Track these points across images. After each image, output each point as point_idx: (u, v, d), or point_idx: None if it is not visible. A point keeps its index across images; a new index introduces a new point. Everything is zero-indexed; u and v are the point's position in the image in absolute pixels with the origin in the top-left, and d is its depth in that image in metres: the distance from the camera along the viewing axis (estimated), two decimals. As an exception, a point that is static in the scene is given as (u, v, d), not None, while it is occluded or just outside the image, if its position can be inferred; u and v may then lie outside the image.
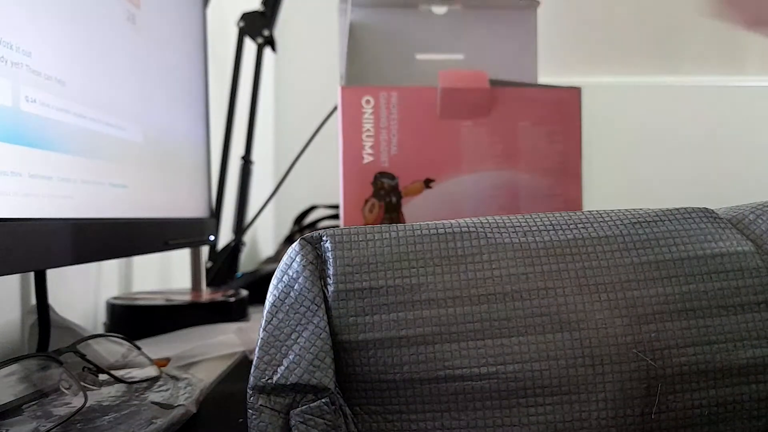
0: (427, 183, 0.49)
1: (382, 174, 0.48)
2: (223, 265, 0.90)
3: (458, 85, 0.48)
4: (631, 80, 1.51)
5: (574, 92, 0.50)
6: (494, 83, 0.50)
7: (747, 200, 1.54)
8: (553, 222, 0.28)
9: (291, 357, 0.24)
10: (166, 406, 0.35)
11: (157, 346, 0.51)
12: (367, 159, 0.48)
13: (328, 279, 0.26)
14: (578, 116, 0.50)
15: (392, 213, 0.49)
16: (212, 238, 0.72)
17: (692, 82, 1.50)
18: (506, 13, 0.53)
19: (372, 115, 0.48)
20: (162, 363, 0.46)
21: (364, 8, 0.56)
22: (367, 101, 0.48)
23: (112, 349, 0.43)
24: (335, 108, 0.81)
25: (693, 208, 0.29)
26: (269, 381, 0.24)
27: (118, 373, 0.39)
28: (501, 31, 0.58)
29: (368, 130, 0.48)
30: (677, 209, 0.29)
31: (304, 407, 0.24)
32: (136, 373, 0.41)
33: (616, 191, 1.49)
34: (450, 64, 0.58)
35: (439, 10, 0.57)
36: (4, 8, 0.35)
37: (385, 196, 0.48)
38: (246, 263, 1.16)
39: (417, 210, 0.49)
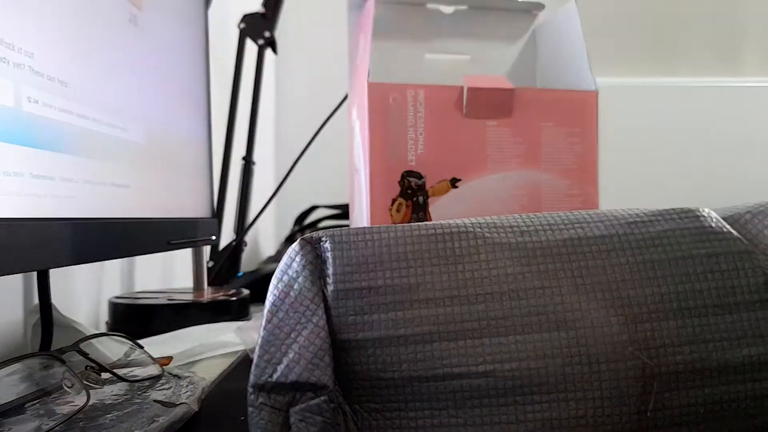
0: (454, 182, 0.47)
1: (409, 173, 0.47)
2: (225, 265, 0.90)
3: (484, 85, 0.48)
4: (629, 81, 1.51)
5: (592, 94, 0.50)
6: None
7: (745, 200, 1.54)
8: (549, 222, 0.28)
9: (291, 355, 0.25)
10: (168, 405, 0.36)
11: (159, 345, 0.51)
12: (395, 157, 0.47)
13: (327, 278, 0.26)
14: (595, 118, 0.50)
15: (419, 212, 0.47)
16: (214, 237, 0.72)
17: (689, 83, 1.50)
18: (508, 16, 0.53)
19: (399, 113, 0.47)
20: (164, 361, 0.46)
21: (379, 4, 0.55)
22: (394, 98, 0.46)
23: (115, 348, 0.43)
24: (336, 109, 0.81)
25: (688, 208, 0.29)
26: (269, 379, 0.24)
27: (121, 372, 0.40)
28: (502, 34, 0.58)
29: (395, 127, 0.46)
30: (673, 209, 0.29)
31: (303, 405, 0.24)
32: (139, 372, 0.41)
33: (615, 191, 1.49)
34: (456, 64, 0.58)
35: (447, 9, 0.57)
36: (7, 9, 0.35)
37: (412, 195, 0.47)
38: (247, 263, 1.16)
39: (443, 210, 0.48)
